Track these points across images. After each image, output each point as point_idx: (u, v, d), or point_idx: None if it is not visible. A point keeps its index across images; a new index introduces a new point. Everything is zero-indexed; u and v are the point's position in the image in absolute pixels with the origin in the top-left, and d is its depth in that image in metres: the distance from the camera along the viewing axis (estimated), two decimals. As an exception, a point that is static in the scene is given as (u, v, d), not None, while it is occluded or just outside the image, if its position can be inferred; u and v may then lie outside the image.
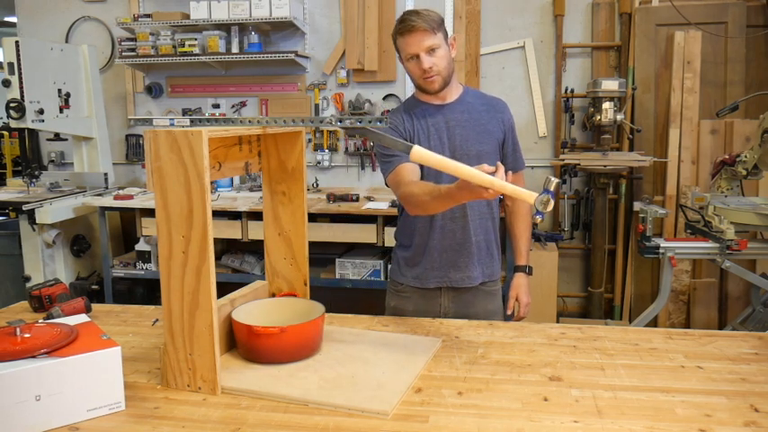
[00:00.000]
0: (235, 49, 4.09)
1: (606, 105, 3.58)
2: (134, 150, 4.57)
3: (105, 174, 4.10)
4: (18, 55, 3.50)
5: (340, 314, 1.84)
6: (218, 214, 3.52)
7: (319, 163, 4.29)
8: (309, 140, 4.31)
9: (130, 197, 3.81)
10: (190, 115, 4.40)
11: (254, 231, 3.56)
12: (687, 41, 3.68)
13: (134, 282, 3.90)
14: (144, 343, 1.63)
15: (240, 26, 4.06)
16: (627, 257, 3.96)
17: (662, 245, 2.92)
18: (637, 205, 3.61)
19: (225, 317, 1.50)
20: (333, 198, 3.62)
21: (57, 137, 4.14)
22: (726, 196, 3.03)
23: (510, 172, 2.02)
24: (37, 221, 3.54)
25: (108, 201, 3.79)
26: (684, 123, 3.70)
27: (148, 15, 4.12)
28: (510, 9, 4.04)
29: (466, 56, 4.06)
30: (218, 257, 3.60)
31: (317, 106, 4.29)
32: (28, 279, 3.65)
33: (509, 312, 2.10)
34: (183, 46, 4.07)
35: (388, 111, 4.03)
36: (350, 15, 4.12)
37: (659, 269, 3.34)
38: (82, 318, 1.43)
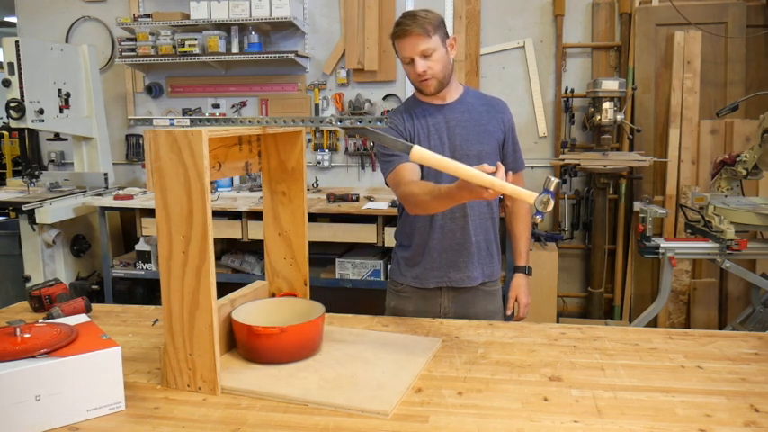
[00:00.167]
0: (235, 49, 4.09)
1: (606, 105, 3.58)
2: (134, 150, 4.57)
3: (105, 174, 4.11)
4: (18, 55, 3.50)
5: (340, 314, 1.84)
6: (218, 214, 3.52)
7: (319, 163, 4.29)
8: (309, 140, 4.31)
9: (130, 197, 3.81)
10: (190, 115, 4.40)
11: (254, 231, 3.56)
12: (687, 41, 3.68)
13: (134, 282, 3.90)
14: (144, 343, 1.63)
15: (240, 26, 4.06)
16: (627, 257, 3.96)
17: (662, 245, 2.92)
18: (637, 205, 3.61)
19: (225, 317, 1.50)
20: (333, 198, 3.62)
21: (57, 137, 4.14)
22: (726, 196, 3.03)
23: (510, 172, 2.03)
24: (37, 221, 3.54)
25: (108, 201, 3.79)
26: (684, 123, 3.70)
27: (148, 15, 4.12)
28: (510, 9, 4.04)
29: (466, 56, 4.06)
30: (218, 257, 3.60)
31: (316, 106, 4.29)
32: (28, 279, 3.65)
33: (509, 313, 2.10)
34: (183, 46, 4.07)
35: (388, 111, 4.03)
36: (350, 15, 4.12)
37: (659, 269, 3.34)
38: (82, 318, 1.43)
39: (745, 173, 2.83)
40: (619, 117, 3.59)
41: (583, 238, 4.12)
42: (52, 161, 4.68)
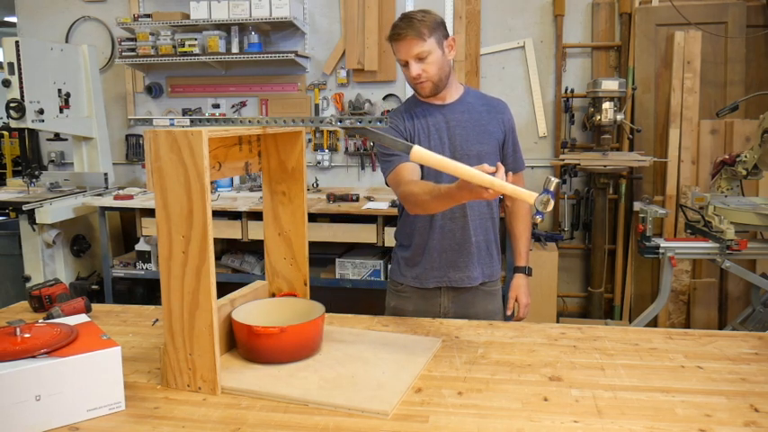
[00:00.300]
0: (235, 49, 4.09)
1: (606, 105, 3.58)
2: (134, 150, 4.57)
3: (105, 174, 4.11)
4: (18, 55, 3.50)
5: (340, 314, 1.84)
6: (218, 214, 3.52)
7: (319, 163, 4.29)
8: (309, 140, 4.31)
9: (130, 197, 3.81)
10: (190, 115, 4.40)
11: (254, 231, 3.56)
12: (687, 41, 3.68)
13: (134, 282, 3.90)
14: (144, 343, 1.63)
15: (240, 26, 4.06)
16: (627, 257, 3.96)
17: (662, 245, 2.92)
18: (637, 205, 3.61)
19: (225, 317, 1.50)
20: (333, 198, 3.62)
21: (57, 137, 4.14)
22: (726, 196, 3.03)
23: (510, 173, 2.03)
24: (37, 221, 3.54)
25: (108, 201, 3.79)
26: (684, 123, 3.70)
27: (148, 15, 4.12)
28: (510, 9, 4.04)
29: (466, 56, 4.06)
30: (218, 257, 3.60)
31: (317, 106, 4.29)
32: (28, 279, 3.65)
33: (508, 313, 2.10)
34: (183, 46, 4.07)
35: (388, 111, 4.03)
36: (350, 15, 4.12)
37: (659, 269, 3.34)
38: (82, 318, 1.43)
39: (745, 173, 2.83)
40: (619, 117, 3.59)
41: (583, 238, 4.12)
42: (52, 161, 4.68)
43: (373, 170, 4.28)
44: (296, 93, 4.33)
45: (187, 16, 4.02)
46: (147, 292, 3.94)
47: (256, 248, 3.66)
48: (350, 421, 1.21)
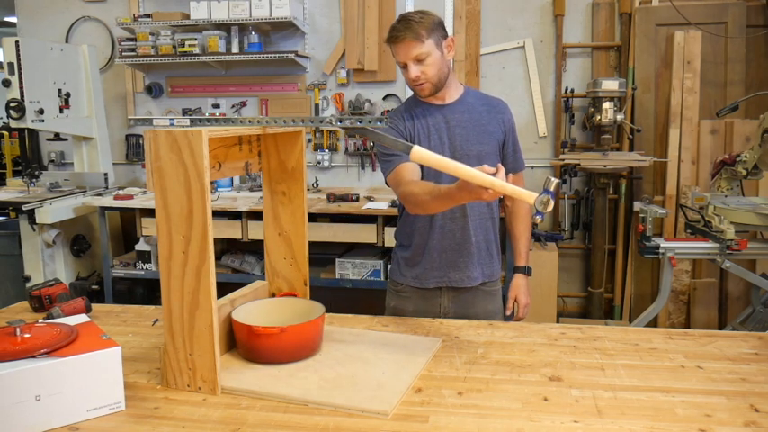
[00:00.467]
0: (235, 49, 4.09)
1: (606, 105, 3.58)
2: (134, 150, 4.57)
3: (105, 174, 4.11)
4: (18, 55, 3.50)
5: (340, 314, 1.84)
6: (218, 214, 3.52)
7: (319, 163, 4.29)
8: (309, 140, 4.31)
9: (130, 197, 3.81)
10: (190, 115, 4.40)
11: (254, 231, 3.56)
12: (687, 41, 3.68)
13: (134, 282, 3.90)
14: (144, 343, 1.63)
15: (240, 26, 4.06)
16: (627, 257, 3.96)
17: (662, 245, 2.92)
18: (637, 205, 3.61)
19: (225, 317, 1.50)
20: (333, 198, 3.62)
21: (57, 137, 4.14)
22: (726, 196, 3.03)
23: (510, 174, 2.03)
24: (37, 221, 3.54)
25: (108, 201, 3.79)
26: (684, 123, 3.70)
27: (148, 15, 4.12)
28: (510, 9, 4.04)
29: (466, 56, 4.06)
30: (218, 257, 3.60)
31: (316, 106, 4.29)
32: (28, 279, 3.65)
33: (508, 313, 2.10)
34: (183, 46, 4.07)
35: (388, 111, 4.03)
36: (350, 15, 4.12)
37: (659, 269, 3.34)
38: (82, 318, 1.43)
39: (745, 173, 2.83)
40: (619, 117, 3.59)
41: (583, 238, 4.12)
42: (52, 161, 4.68)
43: (373, 170, 4.28)
44: (296, 93, 4.33)
45: (187, 16, 4.02)
46: (147, 292, 3.94)
47: (256, 248, 3.66)
48: (350, 421, 1.21)
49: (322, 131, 4.28)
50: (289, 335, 1.45)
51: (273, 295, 1.74)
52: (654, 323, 3.46)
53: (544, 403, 1.27)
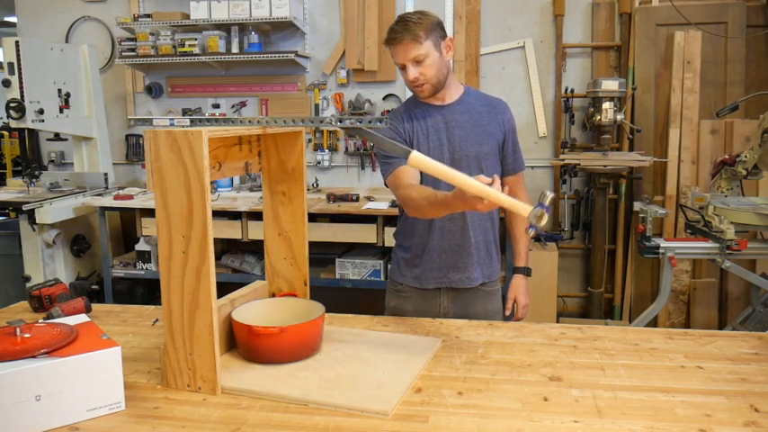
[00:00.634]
0: (235, 49, 4.09)
1: (606, 105, 3.58)
2: (134, 150, 4.57)
3: (105, 174, 4.11)
4: (18, 55, 3.50)
5: (340, 314, 1.84)
6: (218, 214, 3.52)
7: (319, 163, 4.29)
8: (309, 140, 4.31)
9: (130, 197, 3.81)
10: (190, 115, 4.40)
11: (254, 231, 3.56)
12: (687, 41, 3.68)
13: (134, 282, 3.90)
14: (144, 343, 1.63)
15: (240, 26, 4.06)
16: (627, 257, 3.96)
17: (662, 245, 2.92)
18: (637, 205, 3.61)
19: (225, 317, 1.50)
20: (333, 198, 3.62)
21: (57, 137, 4.14)
22: (726, 196, 3.03)
23: (509, 179, 2.03)
24: (37, 221, 3.54)
25: (108, 201, 3.79)
26: (684, 123, 3.70)
27: (148, 15, 4.12)
28: (510, 9, 4.04)
29: (466, 56, 4.06)
30: (218, 257, 3.60)
31: (316, 106, 4.29)
32: (28, 279, 3.65)
33: (507, 313, 2.10)
34: (183, 46, 4.07)
35: (388, 111, 4.03)
36: (350, 15, 4.12)
37: (659, 269, 3.34)
38: (82, 318, 1.43)
39: (745, 173, 2.83)
40: (619, 117, 3.59)
41: (583, 238, 4.12)
42: (52, 161, 4.68)
43: (373, 170, 4.28)
44: (296, 93, 4.33)
45: (187, 16, 4.02)
46: (147, 292, 3.95)
47: (256, 248, 3.66)
48: (350, 421, 1.21)
49: (322, 131, 4.28)
50: (289, 335, 1.45)
51: (273, 295, 1.73)
52: (654, 323, 3.46)
53: (544, 403, 1.27)
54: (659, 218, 3.20)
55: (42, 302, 1.86)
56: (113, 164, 4.38)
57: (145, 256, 3.82)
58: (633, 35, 3.84)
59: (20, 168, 4.42)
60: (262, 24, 4.07)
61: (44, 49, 3.74)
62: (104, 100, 4.29)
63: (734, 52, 3.72)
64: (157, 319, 1.79)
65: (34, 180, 3.79)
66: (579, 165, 3.62)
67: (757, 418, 1.20)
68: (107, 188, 4.07)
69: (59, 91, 3.84)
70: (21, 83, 3.51)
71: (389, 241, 3.40)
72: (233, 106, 4.41)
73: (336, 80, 4.24)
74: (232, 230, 3.61)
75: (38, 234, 3.62)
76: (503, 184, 2.05)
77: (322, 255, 3.68)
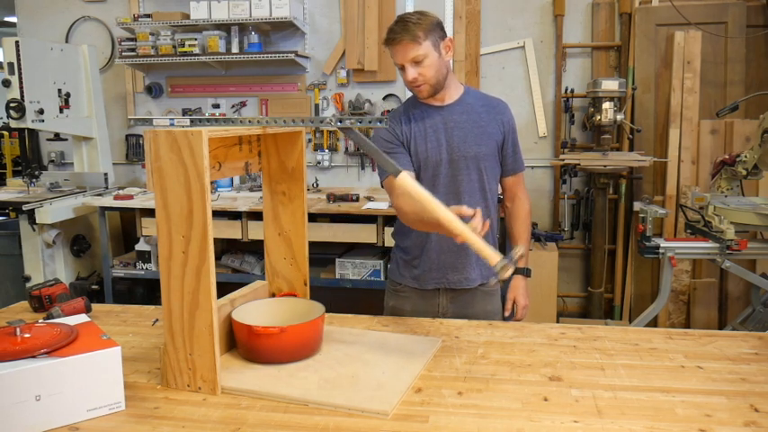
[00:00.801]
0: (235, 49, 4.09)
1: (606, 105, 3.58)
2: (134, 150, 4.57)
3: (105, 174, 4.11)
4: (18, 55, 3.50)
5: (340, 314, 1.84)
6: (218, 214, 3.52)
7: (319, 163, 4.29)
8: (309, 140, 4.31)
9: (130, 197, 3.81)
10: (190, 115, 4.40)
11: (254, 231, 3.56)
12: (687, 41, 3.68)
13: (134, 282, 3.90)
14: (144, 343, 1.63)
15: (240, 26, 4.06)
16: (627, 257, 3.96)
17: (662, 245, 2.92)
18: (637, 205, 3.61)
19: (225, 317, 1.50)
20: (333, 198, 3.62)
21: (57, 137, 4.14)
22: (726, 196, 3.03)
23: (508, 180, 2.03)
24: (37, 221, 3.54)
25: (108, 201, 3.79)
26: (684, 123, 3.70)
27: (148, 15, 4.12)
28: (510, 9, 4.04)
29: (466, 56, 4.06)
30: (218, 257, 3.60)
31: (316, 106, 4.29)
32: (28, 279, 3.65)
33: (506, 314, 2.09)
34: (183, 46, 4.07)
35: (388, 111, 4.03)
36: (350, 15, 4.12)
37: (659, 269, 3.34)
38: (82, 318, 1.43)
39: (745, 173, 2.83)
40: (619, 117, 3.59)
41: (583, 238, 4.12)
42: (52, 161, 4.68)
43: (373, 170, 4.28)
44: (296, 93, 4.33)
45: (187, 16, 4.02)
46: (147, 292, 3.95)
47: (256, 248, 3.66)
48: (350, 421, 1.21)
49: (322, 131, 4.28)
50: (289, 335, 1.45)
51: (273, 295, 1.73)
52: (654, 323, 3.46)
53: (544, 403, 1.27)
54: (659, 218, 3.20)
55: (42, 302, 1.86)
56: (113, 164, 4.38)
57: (145, 256, 3.82)
58: (633, 35, 3.84)
59: (20, 168, 4.42)
60: (262, 24, 4.07)
61: (44, 49, 3.74)
62: (104, 100, 4.29)
63: (734, 52, 3.72)
64: (157, 319, 1.79)
65: (34, 180, 3.79)
66: (579, 165, 3.62)
67: (757, 418, 1.20)
68: (107, 188, 4.08)
69: (59, 91, 3.84)
70: (21, 83, 3.51)
71: (389, 241, 3.39)
72: (233, 106, 4.41)
73: (336, 80, 4.25)
74: (232, 230, 3.61)
75: (38, 234, 3.62)
76: (503, 185, 2.07)
77: (322, 255, 3.68)
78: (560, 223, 4.08)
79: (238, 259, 3.79)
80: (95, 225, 4.00)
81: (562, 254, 3.98)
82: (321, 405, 1.26)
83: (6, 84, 3.51)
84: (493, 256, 1.39)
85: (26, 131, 3.64)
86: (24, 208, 3.48)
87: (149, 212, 3.66)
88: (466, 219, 1.45)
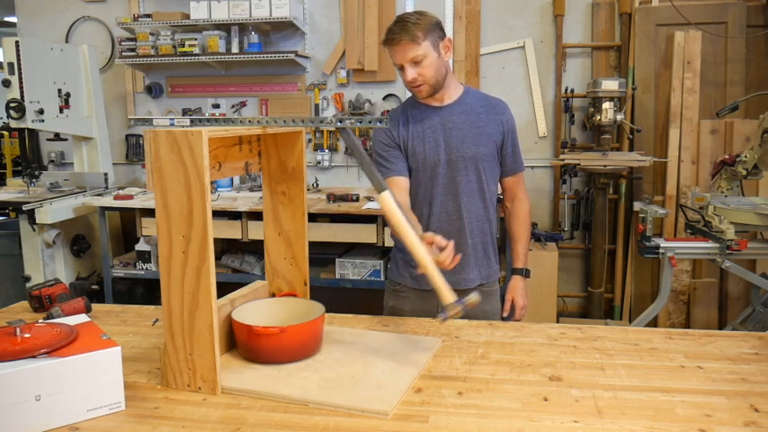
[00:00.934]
0: (235, 49, 4.09)
1: (606, 105, 3.58)
2: (134, 150, 4.57)
3: (105, 174, 4.11)
4: (18, 55, 3.50)
5: (340, 314, 1.84)
6: (218, 214, 3.52)
7: (319, 163, 4.29)
8: (309, 140, 4.31)
9: (130, 197, 3.81)
10: (190, 115, 4.40)
11: (254, 231, 3.56)
12: (687, 41, 3.68)
13: (134, 282, 3.90)
14: (144, 343, 1.63)
15: (240, 26, 4.06)
16: (627, 257, 3.96)
17: (662, 245, 2.92)
18: (637, 205, 3.61)
19: (225, 317, 1.50)
20: (333, 198, 3.62)
21: (57, 137, 4.14)
22: (726, 196, 3.03)
23: (508, 180, 2.04)
24: (37, 221, 3.54)
25: (108, 201, 3.79)
26: (684, 123, 3.70)
27: (148, 15, 4.12)
28: (510, 9, 4.04)
29: (466, 56, 4.06)
30: (218, 257, 3.60)
31: (316, 106, 4.29)
32: (28, 279, 3.65)
33: (504, 315, 2.09)
34: (183, 46, 4.07)
35: (388, 111, 4.03)
36: (350, 15, 4.12)
37: (659, 269, 3.34)
38: (82, 318, 1.43)
39: (745, 173, 2.83)
40: (619, 117, 3.59)
41: (583, 238, 4.12)
42: (52, 161, 4.68)
43: (373, 170, 4.27)
44: (296, 93, 4.33)
45: (187, 16, 4.02)
46: (147, 292, 3.95)
47: (256, 248, 3.66)
48: (350, 421, 1.21)
49: (322, 131, 4.28)
50: (289, 335, 1.45)
51: (273, 295, 1.73)
52: (654, 323, 3.46)
53: (544, 403, 1.27)
54: (659, 218, 3.20)
55: (42, 302, 1.86)
56: (113, 164, 4.38)
57: (145, 256, 3.82)
58: (633, 35, 3.84)
59: (20, 168, 4.42)
60: (262, 24, 4.07)
61: (44, 49, 3.74)
62: (104, 100, 4.29)
63: (734, 52, 3.72)
64: (157, 319, 1.79)
65: (34, 180, 3.79)
66: (579, 165, 3.62)
67: (757, 418, 1.20)
68: (107, 188, 4.07)
69: (59, 91, 3.84)
70: (21, 83, 3.51)
71: (389, 241, 3.40)
72: (233, 106, 4.41)
73: (336, 80, 4.25)
74: (232, 230, 3.61)
75: (38, 234, 3.62)
76: (503, 185, 2.07)
77: (322, 255, 3.68)
78: (560, 223, 4.08)
79: (238, 259, 3.79)
80: (95, 225, 4.00)
81: (562, 254, 3.98)
82: (321, 405, 1.26)
83: (6, 84, 3.51)
84: (447, 296, 1.44)
85: (26, 131, 3.64)
86: (24, 208, 3.48)
87: (149, 212, 3.66)
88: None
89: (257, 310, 1.59)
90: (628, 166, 3.71)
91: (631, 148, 3.90)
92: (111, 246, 3.98)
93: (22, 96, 3.52)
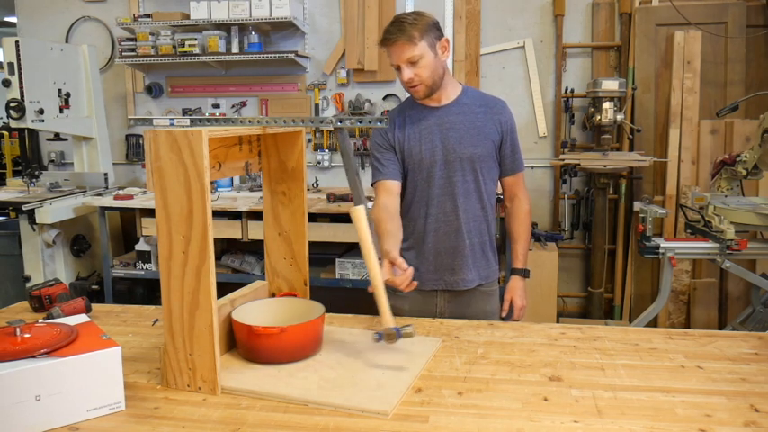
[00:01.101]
0: (235, 49, 4.09)
1: (606, 105, 3.58)
2: (134, 150, 4.57)
3: (105, 174, 4.10)
4: (18, 55, 3.49)
5: (340, 314, 1.84)
6: (218, 214, 3.52)
7: (319, 163, 4.29)
8: (309, 140, 4.31)
9: (130, 197, 3.81)
10: (190, 115, 4.40)
11: (254, 231, 3.56)
12: (687, 41, 3.68)
13: (134, 282, 3.90)
14: (144, 343, 1.63)
15: (240, 26, 4.06)
16: (627, 257, 3.96)
17: (662, 245, 2.92)
18: (637, 205, 3.61)
19: (225, 317, 1.50)
20: (333, 198, 3.61)
21: (57, 137, 4.14)
22: (726, 196, 3.03)
23: (508, 180, 2.04)
24: (37, 221, 3.54)
25: (108, 201, 3.79)
26: (684, 123, 3.70)
27: (148, 15, 4.12)
28: (510, 9, 4.04)
29: (466, 56, 4.06)
30: (218, 257, 3.60)
31: (316, 106, 4.29)
32: (28, 279, 3.65)
33: (503, 315, 2.09)
34: (183, 46, 4.07)
35: (388, 111, 4.03)
36: (350, 15, 4.12)
37: (659, 269, 3.34)
38: (82, 318, 1.43)
39: (745, 173, 2.83)
40: (619, 117, 3.59)
41: (583, 238, 4.12)
42: (52, 161, 4.68)
43: (373, 170, 4.27)
44: (296, 93, 4.33)
45: (187, 16, 4.02)
46: (147, 292, 3.94)
47: (256, 248, 3.66)
48: (350, 421, 1.21)
49: (322, 131, 4.28)
50: (289, 335, 1.45)
51: (273, 295, 1.74)
52: (654, 323, 3.46)
53: (544, 403, 1.27)
54: (659, 218, 3.20)
55: (42, 302, 1.86)
56: (113, 164, 4.38)
57: (145, 256, 3.82)
58: (633, 35, 3.84)
59: (20, 168, 4.42)
60: (262, 24, 4.07)
61: (44, 49, 3.74)
62: (104, 100, 4.29)
63: (734, 52, 3.72)
64: (157, 319, 1.79)
65: (34, 180, 3.79)
66: (579, 165, 3.62)
67: (757, 418, 1.20)
68: (107, 188, 4.07)
69: (59, 91, 3.84)
70: (21, 83, 3.51)
71: (389, 241, 3.39)
72: (233, 106, 4.41)
73: (336, 80, 4.24)
74: (232, 230, 3.61)
75: (38, 234, 3.62)
76: (502, 185, 2.07)
77: (322, 255, 3.68)
78: (560, 223, 4.08)
79: (238, 259, 3.79)
80: (95, 225, 4.00)
81: (562, 254, 3.98)
82: (321, 405, 1.26)
83: (6, 84, 3.51)
84: (387, 320, 1.47)
85: (26, 131, 3.64)
86: (24, 208, 3.48)
87: (149, 212, 3.66)
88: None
89: (257, 310, 1.59)
90: (628, 166, 3.71)
91: (631, 148, 3.90)
92: (111, 246, 3.98)
93: (22, 96, 3.51)
